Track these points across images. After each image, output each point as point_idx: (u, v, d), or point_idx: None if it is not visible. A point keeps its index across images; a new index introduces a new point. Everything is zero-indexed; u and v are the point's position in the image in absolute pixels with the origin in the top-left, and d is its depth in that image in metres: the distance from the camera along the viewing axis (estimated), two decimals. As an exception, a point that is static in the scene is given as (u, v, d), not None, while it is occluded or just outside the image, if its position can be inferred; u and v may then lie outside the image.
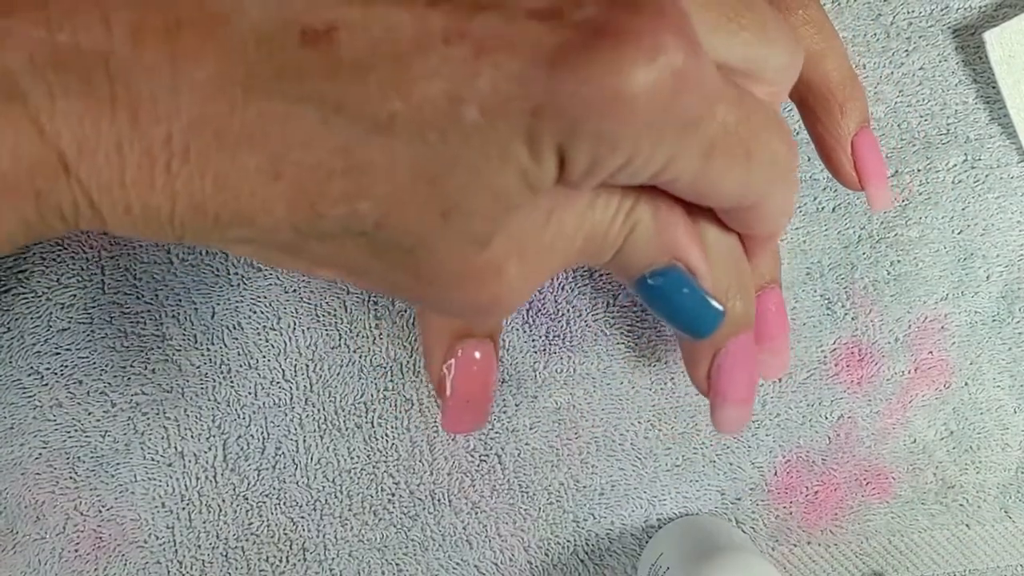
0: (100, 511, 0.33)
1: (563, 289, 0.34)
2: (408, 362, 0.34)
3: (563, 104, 0.17)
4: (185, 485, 0.34)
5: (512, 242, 0.20)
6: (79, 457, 0.33)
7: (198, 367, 0.34)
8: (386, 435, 0.34)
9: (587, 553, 0.35)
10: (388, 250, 0.19)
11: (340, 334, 0.34)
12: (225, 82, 0.17)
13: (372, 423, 0.34)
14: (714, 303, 0.23)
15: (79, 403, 0.33)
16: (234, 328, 0.34)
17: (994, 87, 0.35)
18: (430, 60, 0.17)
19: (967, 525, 0.36)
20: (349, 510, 0.34)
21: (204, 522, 0.34)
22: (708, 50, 0.19)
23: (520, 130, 0.17)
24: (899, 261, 0.35)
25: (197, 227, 0.18)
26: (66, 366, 0.33)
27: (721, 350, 0.25)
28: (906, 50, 0.35)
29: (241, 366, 0.34)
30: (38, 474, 0.33)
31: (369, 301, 0.34)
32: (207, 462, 0.34)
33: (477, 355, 0.26)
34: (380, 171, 0.17)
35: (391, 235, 0.18)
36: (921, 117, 0.35)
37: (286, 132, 0.17)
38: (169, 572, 0.34)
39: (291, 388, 0.34)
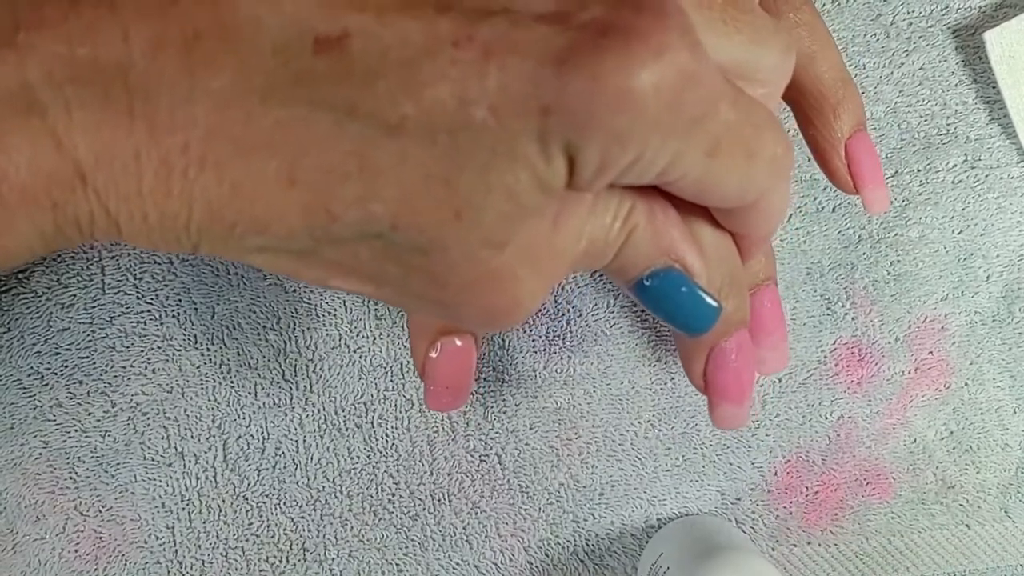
0: (100, 511, 0.33)
1: (563, 289, 0.34)
2: (408, 362, 0.34)
3: (572, 102, 0.17)
4: (185, 485, 0.34)
5: (525, 249, 0.20)
6: (79, 457, 0.33)
7: (198, 367, 0.34)
8: (386, 435, 0.34)
9: (587, 553, 0.35)
10: (404, 253, 0.19)
11: (340, 334, 0.34)
12: (242, 91, 0.17)
13: (372, 423, 0.34)
14: (710, 300, 0.23)
15: (79, 403, 0.33)
16: (234, 328, 0.34)
17: (994, 87, 0.35)
18: (439, 64, 0.17)
19: (967, 525, 0.36)
20: (349, 510, 0.34)
21: (204, 522, 0.34)
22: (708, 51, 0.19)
23: (530, 129, 0.17)
24: (899, 261, 0.35)
25: (213, 235, 0.19)
26: (66, 366, 0.33)
27: (715, 348, 0.25)
28: (906, 50, 0.35)
29: (241, 366, 0.34)
30: (38, 474, 0.33)
31: (369, 301, 0.34)
32: (207, 462, 0.34)
33: (458, 343, 0.26)
34: (392, 173, 0.18)
35: (406, 236, 0.18)
36: (921, 117, 0.35)
37: (301, 137, 0.18)
38: (169, 572, 0.34)
39: (291, 388, 0.34)
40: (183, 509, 0.34)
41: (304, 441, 0.34)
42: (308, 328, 0.34)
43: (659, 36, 0.17)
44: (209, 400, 0.34)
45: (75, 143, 0.17)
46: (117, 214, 0.18)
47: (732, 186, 0.21)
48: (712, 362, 0.26)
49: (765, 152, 0.21)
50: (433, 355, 0.26)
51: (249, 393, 0.34)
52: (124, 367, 0.33)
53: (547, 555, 0.35)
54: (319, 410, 0.34)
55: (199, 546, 0.34)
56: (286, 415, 0.34)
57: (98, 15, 0.17)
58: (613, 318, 0.35)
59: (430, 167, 0.18)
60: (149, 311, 0.33)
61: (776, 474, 0.36)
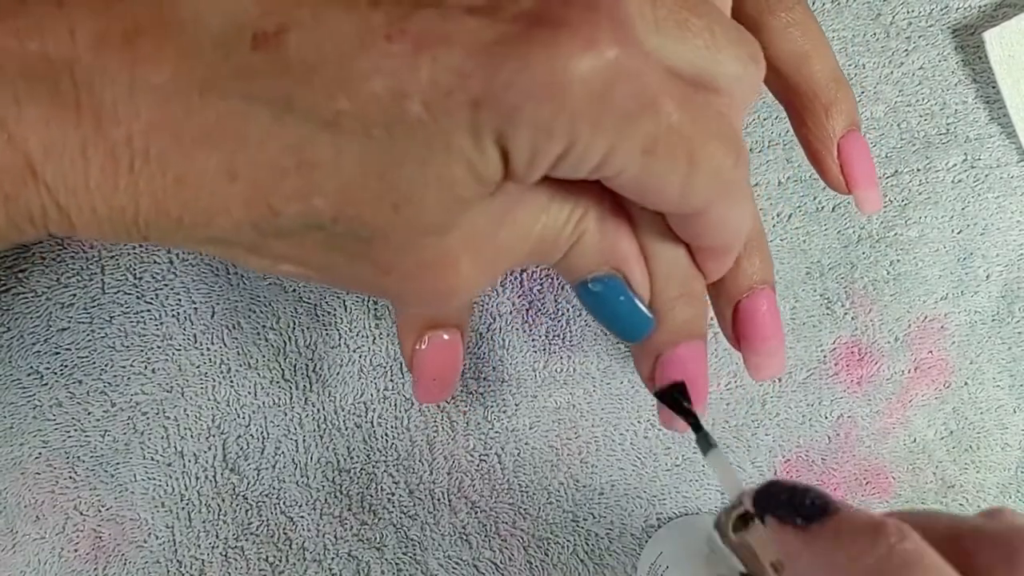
0: (100, 511, 0.33)
1: (563, 289, 0.34)
2: (408, 362, 0.34)
3: (500, 94, 0.17)
4: (185, 485, 0.34)
5: (468, 238, 0.20)
6: (79, 457, 0.33)
7: (198, 367, 0.34)
8: (385, 435, 0.34)
9: (587, 553, 0.35)
10: (347, 242, 0.19)
11: (340, 334, 0.34)
12: (182, 85, 0.18)
13: (371, 422, 0.34)
14: (645, 311, 0.24)
15: (79, 403, 0.33)
16: (233, 328, 0.34)
17: (994, 87, 0.35)
18: (372, 58, 0.17)
19: (967, 525, 0.36)
20: (348, 509, 0.34)
21: (204, 522, 0.34)
22: (652, 50, 0.19)
23: (462, 122, 0.18)
24: (899, 261, 0.35)
25: (161, 228, 0.19)
26: (66, 366, 0.33)
27: (668, 356, 0.25)
28: (906, 50, 0.35)
29: (241, 366, 0.34)
30: (38, 474, 0.33)
31: (369, 301, 0.34)
32: (207, 462, 0.34)
33: (445, 337, 0.27)
34: (330, 167, 0.18)
35: (348, 228, 0.19)
36: (921, 117, 0.35)
37: (240, 131, 0.18)
38: (168, 572, 0.34)
39: (290, 388, 0.34)
40: (182, 509, 0.34)
41: (303, 441, 0.34)
42: (308, 328, 0.34)
43: (588, 29, 0.17)
44: (209, 400, 0.34)
45: (25, 136, 0.18)
46: (68, 207, 0.18)
47: (672, 190, 0.20)
48: (659, 370, 0.26)
49: (710, 162, 0.20)
50: (420, 348, 0.27)
51: (249, 393, 0.34)
52: (124, 367, 0.33)
53: (547, 555, 0.35)
54: (318, 409, 0.34)
55: (198, 546, 0.34)
56: (286, 415, 0.34)
57: (46, 11, 0.18)
58: (613, 318, 0.35)
59: (366, 161, 0.18)
60: (149, 311, 0.33)
61: (776, 474, 0.35)
